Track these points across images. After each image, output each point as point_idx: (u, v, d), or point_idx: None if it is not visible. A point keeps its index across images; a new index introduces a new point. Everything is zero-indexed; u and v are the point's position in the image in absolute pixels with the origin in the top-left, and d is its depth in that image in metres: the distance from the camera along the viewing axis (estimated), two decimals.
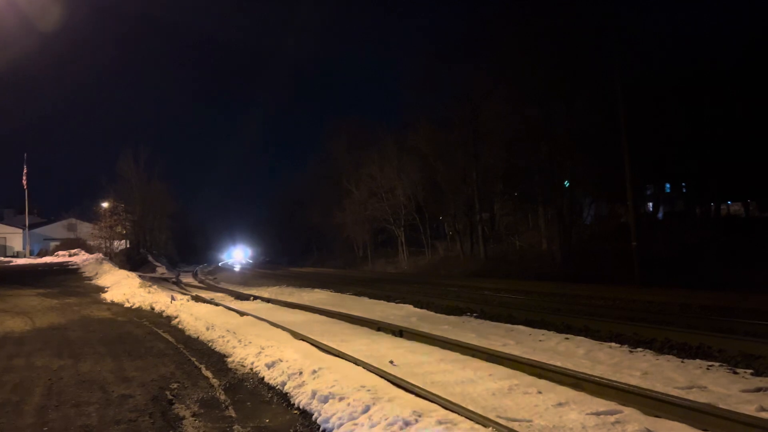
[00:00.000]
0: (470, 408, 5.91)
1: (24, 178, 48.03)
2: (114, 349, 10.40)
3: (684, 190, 37.75)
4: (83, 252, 44.05)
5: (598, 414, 5.99)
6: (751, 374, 7.78)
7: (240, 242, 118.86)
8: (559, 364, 8.14)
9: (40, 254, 50.81)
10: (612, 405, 6.31)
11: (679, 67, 29.58)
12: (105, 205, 51.81)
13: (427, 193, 45.17)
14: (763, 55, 27.58)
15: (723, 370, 8.02)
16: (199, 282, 38.93)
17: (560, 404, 6.38)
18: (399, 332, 11.77)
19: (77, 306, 17.89)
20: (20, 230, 57.89)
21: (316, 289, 25.87)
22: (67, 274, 30.99)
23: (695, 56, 29.93)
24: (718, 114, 27.68)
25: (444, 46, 41.11)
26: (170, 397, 7.01)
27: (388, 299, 19.80)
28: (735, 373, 7.89)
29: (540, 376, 7.68)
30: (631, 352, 9.42)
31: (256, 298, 22.02)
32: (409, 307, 17.05)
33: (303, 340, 10.38)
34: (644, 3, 31.43)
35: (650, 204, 38.52)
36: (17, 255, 52.68)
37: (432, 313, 15.72)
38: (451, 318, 14.50)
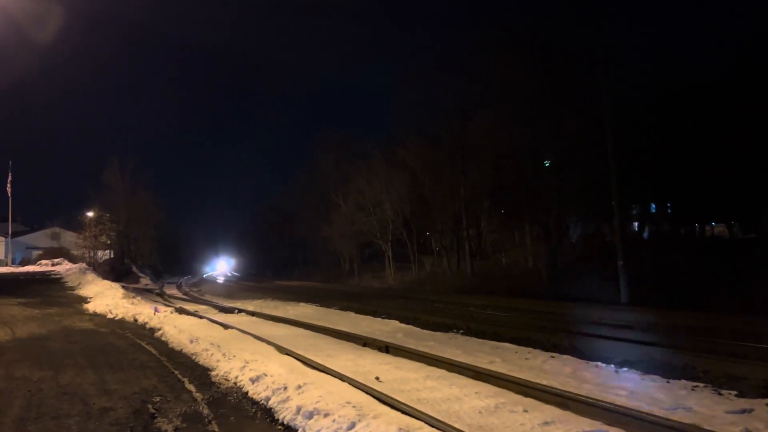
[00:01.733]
0: (456, 426, 5.88)
1: (8, 185, 47.42)
2: (96, 360, 10.23)
3: (669, 211, 38.15)
4: (67, 261, 43.45)
5: None
6: (736, 395, 7.81)
7: (225, 254, 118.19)
8: (545, 382, 8.13)
9: (23, 263, 50.02)
10: (598, 425, 6.30)
11: (665, 88, 30.05)
12: (90, 214, 51.31)
13: (415, 208, 45.28)
14: (745, 77, 28.09)
15: (708, 391, 8.05)
16: (183, 294, 38.56)
17: (546, 423, 6.36)
18: (385, 348, 11.71)
19: (59, 316, 17.61)
20: (2, 238, 56.98)
21: (302, 303, 25.70)
22: (49, 283, 30.53)
23: (680, 77, 30.43)
24: (702, 135, 28.08)
25: (434, 62, 41.48)
26: (152, 410, 6.90)
27: (375, 314, 19.70)
28: (720, 394, 7.92)
29: (526, 395, 7.66)
30: (616, 372, 9.43)
31: (240, 311, 21.83)
32: (395, 323, 16.98)
33: (288, 354, 10.29)
34: (632, 25, 32.01)
35: (636, 224, 38.86)
36: None
37: (418, 329, 15.65)
38: (438, 334, 14.44)
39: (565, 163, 31.12)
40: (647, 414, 6.44)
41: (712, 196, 30.36)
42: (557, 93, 30.28)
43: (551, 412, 6.88)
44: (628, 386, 8.32)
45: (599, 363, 10.10)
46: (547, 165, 33.21)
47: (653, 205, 39.14)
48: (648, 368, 9.65)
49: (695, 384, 8.43)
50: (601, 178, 26.09)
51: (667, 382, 8.62)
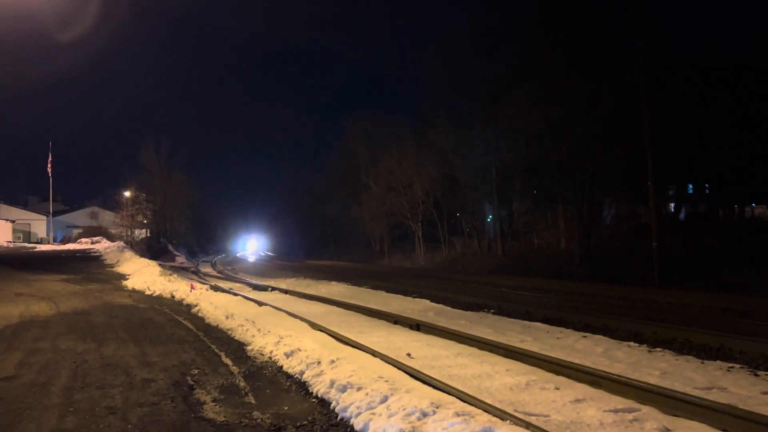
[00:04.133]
0: (488, 401, 5.95)
1: (49, 165, 48.82)
2: (136, 334, 10.58)
3: (707, 192, 37.23)
4: (105, 240, 44.73)
5: (615, 411, 5.99)
6: None
7: (258, 234, 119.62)
8: (576, 361, 8.14)
9: (63, 241, 51.67)
10: (630, 403, 6.30)
11: (704, 61, 29.11)
12: (127, 194, 52.57)
13: (445, 189, 45.07)
14: None
15: (744, 372, 7.95)
16: (218, 272, 39.32)
17: (578, 400, 6.39)
18: (416, 326, 11.82)
19: (99, 292, 18.20)
20: (44, 217, 58.90)
21: (333, 282, 26.00)
22: (89, 261, 31.50)
23: (721, 50, 29.42)
24: (743, 114, 27.21)
25: (466, 41, 40.79)
26: (191, 382, 7.13)
27: (405, 293, 19.85)
28: (756, 375, 7.82)
29: (558, 373, 7.68)
30: (650, 351, 9.37)
31: (274, 289, 22.21)
32: (426, 302, 17.09)
33: (321, 330, 10.47)
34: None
35: (672, 205, 38.05)
36: (41, 241, 53.62)
37: (449, 308, 15.74)
38: (468, 313, 14.51)
39: (600, 142, 30.51)
40: (681, 393, 6.41)
41: (753, 176, 29.50)
42: (591, 69, 29.61)
43: (583, 390, 6.90)
44: (662, 366, 8.28)
45: (631, 343, 10.05)
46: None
47: (690, 186, 38.25)
48: (682, 349, 9.57)
49: (731, 365, 8.34)
50: (637, 158, 25.53)
51: (702, 362, 8.55)
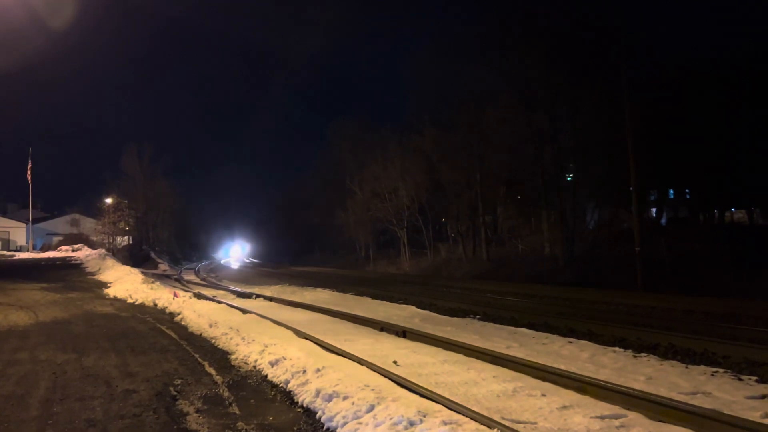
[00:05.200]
0: (475, 409, 5.91)
1: (28, 172, 48.12)
2: (118, 344, 10.41)
3: (687, 197, 37.69)
4: (86, 247, 44.07)
5: (602, 417, 5.99)
6: (756, 381, 7.76)
7: (242, 240, 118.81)
8: (563, 367, 8.14)
9: (43, 249, 50.84)
10: (616, 409, 6.31)
11: (684, 68, 29.51)
12: (108, 201, 51.91)
13: (431, 194, 45.19)
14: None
15: (728, 377, 8.01)
16: (201, 279, 38.94)
17: (564, 407, 6.38)
18: (402, 333, 11.77)
19: (80, 301, 17.92)
20: (23, 224, 58.00)
21: (319, 289, 25.87)
22: (70, 269, 31.03)
23: (700, 58, 29.85)
24: (723, 118, 27.61)
25: (450, 48, 41.04)
26: (174, 393, 7.01)
27: (391, 300, 19.79)
28: (740, 379, 7.87)
29: (544, 379, 7.68)
30: (635, 356, 9.40)
31: (258, 296, 22.02)
32: (412, 308, 17.04)
33: (306, 338, 10.38)
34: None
35: (653, 210, 38.47)
36: (20, 249, 52.78)
37: (435, 314, 15.71)
38: (454, 320, 14.49)
39: (583, 148, 30.79)
40: (666, 398, 6.43)
41: (732, 182, 29.92)
42: (574, 76, 29.90)
43: (569, 396, 6.89)
44: (647, 371, 8.30)
45: (617, 348, 10.09)
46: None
47: (671, 191, 38.70)
48: (666, 354, 9.62)
49: (715, 370, 8.39)
50: (619, 163, 25.80)
51: (686, 367, 8.59)
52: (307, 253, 74.98)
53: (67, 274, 28.08)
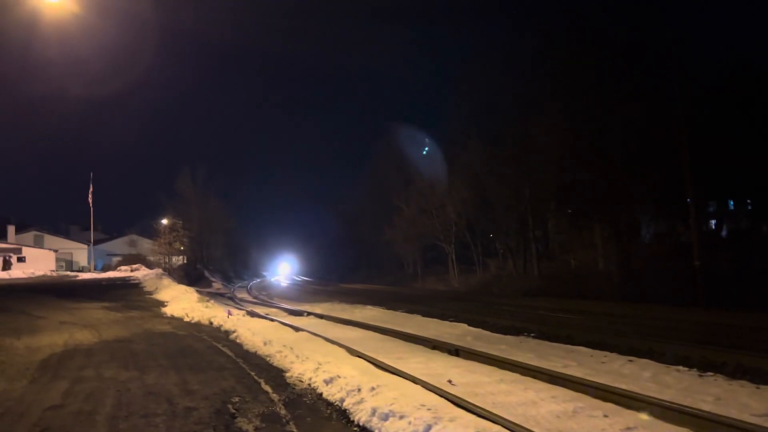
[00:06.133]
0: (535, 430, 5.79)
1: (90, 195, 50.29)
2: (176, 362, 10.66)
3: (749, 207, 36.14)
4: (143, 267, 45.63)
5: None
6: None
7: (291, 257, 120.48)
8: (624, 387, 7.87)
9: (104, 269, 52.94)
10: (683, 431, 6.06)
11: (741, 73, 28.50)
12: (164, 222, 53.66)
13: (478, 210, 44.77)
14: None
15: None
16: (253, 297, 39.62)
17: (629, 428, 6.17)
18: (455, 351, 11.65)
19: (140, 320, 18.46)
20: (85, 246, 60.51)
21: (368, 306, 25.90)
22: (128, 288, 32.09)
23: (759, 60, 28.79)
24: None
25: (497, 61, 40.85)
26: (233, 410, 7.12)
27: (442, 317, 19.63)
28: None
29: (605, 399, 7.45)
30: (700, 376, 9.02)
31: (309, 314, 22.23)
32: (464, 326, 16.85)
33: (359, 356, 10.39)
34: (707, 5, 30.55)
35: (713, 222, 37.01)
36: (82, 270, 55.02)
37: (487, 332, 15.49)
38: (508, 338, 14.25)
39: (636, 159, 29.99)
40: (738, 420, 6.14)
41: None
42: (624, 84, 29.25)
43: (633, 417, 6.66)
44: (715, 391, 7.95)
45: (680, 367, 9.71)
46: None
47: (731, 202, 37.20)
48: (734, 373, 9.19)
49: None
50: (675, 174, 24.98)
51: (757, 387, 8.20)
52: (355, 269, 75.38)
53: (127, 293, 29.03)
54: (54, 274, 46.28)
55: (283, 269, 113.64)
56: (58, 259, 55.80)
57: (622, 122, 30.93)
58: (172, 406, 7.35)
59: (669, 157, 26.02)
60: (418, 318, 20.29)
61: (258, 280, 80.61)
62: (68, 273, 48.92)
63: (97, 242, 60.15)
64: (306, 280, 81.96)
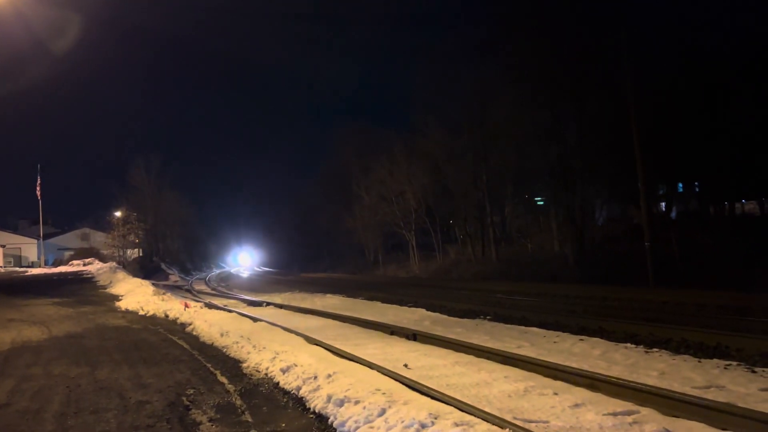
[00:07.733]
0: (486, 410, 5.90)
1: (38, 188, 48.52)
2: (130, 356, 10.47)
3: (697, 190, 37.44)
4: (97, 261, 44.40)
5: (615, 414, 5.96)
6: None
7: (251, 248, 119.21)
8: (574, 365, 8.11)
9: (55, 264, 51.28)
10: (629, 405, 6.28)
11: (691, 59, 29.33)
12: (118, 214, 52.33)
13: (438, 197, 45.13)
14: None
15: (741, 370, 7.95)
16: (212, 289, 39.09)
17: (577, 405, 6.35)
18: (413, 336, 11.77)
19: (92, 315, 18.02)
20: (35, 240, 58.48)
21: (328, 294, 25.89)
22: (81, 283, 31.24)
23: (707, 49, 29.67)
24: (731, 110, 27.43)
25: (453, 49, 41.04)
26: (187, 402, 7.05)
27: (401, 303, 19.79)
28: (753, 372, 7.82)
29: (556, 378, 7.66)
30: (647, 352, 9.36)
31: (268, 304, 22.08)
32: (422, 311, 17.03)
33: (317, 344, 10.39)
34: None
35: (663, 204, 38.21)
36: (32, 265, 53.22)
37: (445, 316, 15.70)
38: (465, 321, 14.47)
39: (589, 144, 30.68)
40: (679, 393, 6.39)
41: (742, 173, 29.69)
42: (578, 71, 29.82)
43: (581, 394, 6.87)
44: (659, 366, 8.26)
45: (628, 344, 10.05)
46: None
47: (680, 185, 38.44)
48: (679, 348, 9.57)
49: (728, 363, 8.34)
50: (626, 158, 25.64)
51: (699, 361, 8.55)
52: (316, 259, 75.09)
53: (79, 288, 28.26)
54: (1, 270, 44.64)
55: (244, 260, 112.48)
56: (6, 255, 53.82)
57: (576, 107, 31.57)
58: (123, 400, 7.23)
59: (621, 142, 26.67)
60: (378, 305, 20.40)
61: (217, 271, 79.52)
62: (17, 269, 47.21)
63: (47, 236, 58.13)
64: (267, 271, 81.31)
